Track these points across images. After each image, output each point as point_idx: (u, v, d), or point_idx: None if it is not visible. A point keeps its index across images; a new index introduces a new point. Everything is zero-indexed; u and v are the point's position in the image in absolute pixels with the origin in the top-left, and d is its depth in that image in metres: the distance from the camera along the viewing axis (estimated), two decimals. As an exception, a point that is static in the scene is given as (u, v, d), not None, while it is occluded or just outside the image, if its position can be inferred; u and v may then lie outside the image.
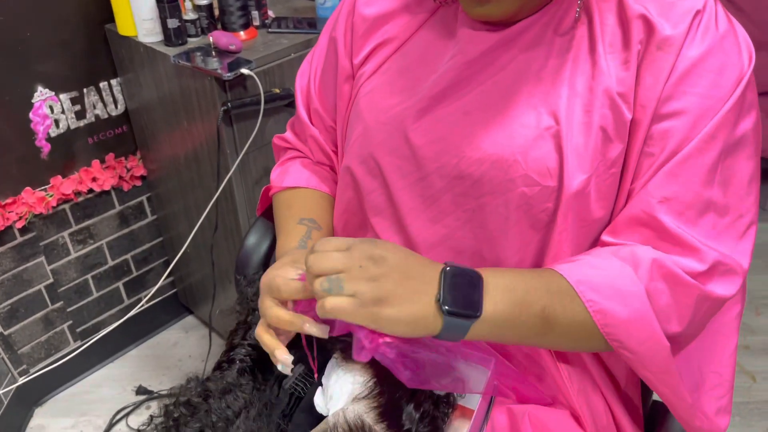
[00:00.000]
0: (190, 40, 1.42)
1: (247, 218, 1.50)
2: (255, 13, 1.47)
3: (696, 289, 0.65)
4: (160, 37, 1.42)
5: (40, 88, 1.48)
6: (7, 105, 1.45)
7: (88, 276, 1.78)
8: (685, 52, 0.64)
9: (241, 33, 1.42)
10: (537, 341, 0.69)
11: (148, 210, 1.83)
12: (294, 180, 0.92)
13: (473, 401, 0.76)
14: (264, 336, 0.71)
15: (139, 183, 1.76)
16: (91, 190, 1.66)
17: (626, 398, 0.81)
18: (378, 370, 0.73)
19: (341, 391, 0.73)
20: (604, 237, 0.70)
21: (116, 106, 1.63)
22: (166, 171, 1.67)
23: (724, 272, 0.67)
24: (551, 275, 0.66)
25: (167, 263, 1.91)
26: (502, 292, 0.63)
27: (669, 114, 0.65)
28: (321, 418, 0.74)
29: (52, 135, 1.54)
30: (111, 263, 1.81)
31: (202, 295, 1.88)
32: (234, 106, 1.32)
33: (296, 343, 0.84)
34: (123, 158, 1.70)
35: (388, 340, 0.64)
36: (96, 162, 1.64)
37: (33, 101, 1.48)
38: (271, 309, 0.68)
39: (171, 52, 1.37)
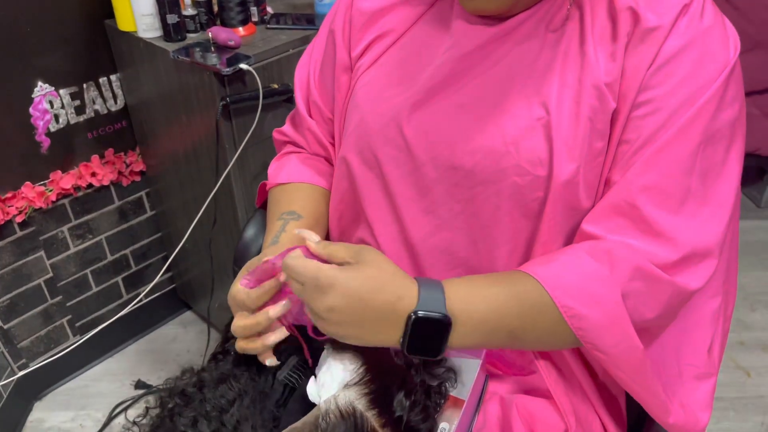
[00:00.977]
0: (189, 35, 1.43)
1: (245, 213, 1.51)
2: (254, 9, 1.48)
3: (670, 286, 0.66)
4: (159, 33, 1.43)
5: (40, 84, 1.49)
6: (7, 100, 1.46)
7: (88, 271, 1.79)
8: (667, 43, 0.65)
9: (240, 29, 1.43)
10: (506, 347, 0.75)
11: (147, 205, 1.84)
12: (287, 175, 0.93)
13: (465, 392, 0.77)
14: (246, 347, 0.74)
15: (138, 178, 1.77)
16: (90, 185, 1.67)
17: (607, 395, 0.82)
18: (368, 358, 0.74)
19: (332, 379, 0.74)
20: (584, 225, 0.70)
21: (116, 102, 1.64)
22: (165, 166, 1.68)
23: (697, 263, 0.67)
24: (525, 287, 0.67)
25: (166, 258, 1.92)
26: (472, 327, 0.65)
27: (645, 101, 0.66)
28: (314, 407, 0.75)
29: (52, 130, 1.55)
30: (110, 258, 1.82)
31: (200, 290, 1.89)
32: (233, 101, 1.33)
33: (290, 335, 0.85)
34: (122, 153, 1.71)
35: None
36: (95, 157, 1.65)
37: (33, 96, 1.49)
38: (236, 324, 0.73)
39: (170, 47, 1.38)
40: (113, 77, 1.61)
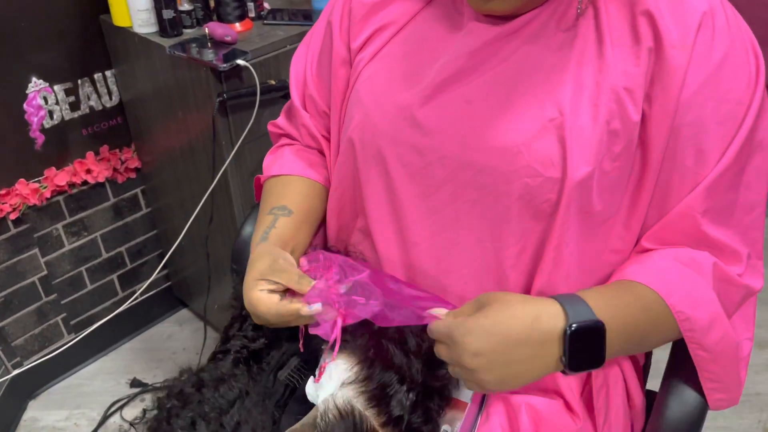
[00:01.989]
0: (185, 31, 1.42)
1: (242, 210, 1.50)
2: (250, 5, 1.47)
3: (744, 288, 0.73)
4: (155, 28, 1.41)
5: (34, 79, 1.48)
6: (1, 96, 1.44)
7: (82, 268, 1.77)
8: (699, 55, 0.65)
9: (237, 24, 1.42)
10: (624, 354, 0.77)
11: (142, 202, 1.82)
12: (280, 168, 0.92)
13: (467, 394, 0.77)
14: (279, 309, 0.72)
15: (133, 175, 1.76)
16: (85, 182, 1.66)
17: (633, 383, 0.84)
18: (364, 357, 0.74)
19: (330, 380, 0.74)
20: (645, 244, 0.74)
21: (111, 98, 1.63)
22: (161, 163, 1.66)
23: (755, 265, 0.74)
24: (643, 293, 0.69)
25: (161, 256, 1.91)
26: (616, 335, 0.66)
27: (689, 122, 0.66)
28: (313, 407, 0.74)
29: (47, 126, 1.54)
30: (105, 256, 1.81)
31: (196, 288, 1.88)
32: (230, 97, 1.32)
33: (291, 337, 0.84)
34: (117, 150, 1.69)
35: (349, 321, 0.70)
36: (90, 154, 1.64)
37: (27, 92, 1.48)
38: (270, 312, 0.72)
39: (166, 43, 1.37)
40: (108, 73, 1.60)
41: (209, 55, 1.31)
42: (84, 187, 1.67)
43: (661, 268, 0.71)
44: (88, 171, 1.64)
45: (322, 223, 0.92)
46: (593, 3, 0.69)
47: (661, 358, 0.86)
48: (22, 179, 1.54)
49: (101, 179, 1.67)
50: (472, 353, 0.62)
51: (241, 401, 0.77)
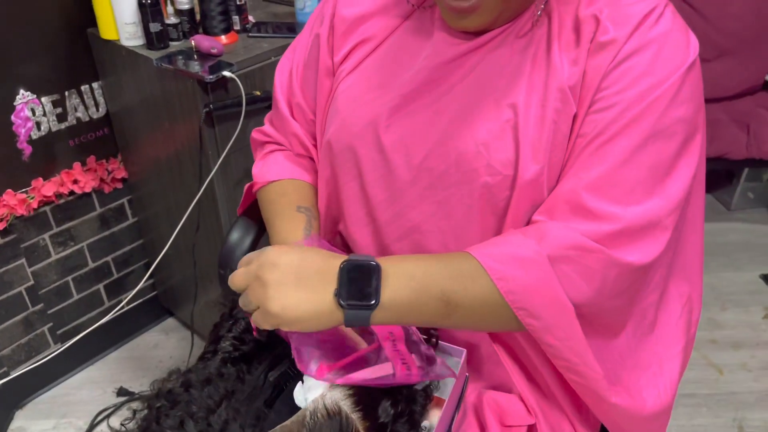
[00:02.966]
0: (172, 43, 1.45)
1: (228, 218, 1.52)
2: (236, 18, 1.50)
3: (601, 253, 0.67)
4: (142, 41, 1.44)
5: (21, 91, 1.50)
6: (-11, 107, 1.46)
7: (69, 278, 1.79)
8: (624, 47, 0.68)
9: (222, 37, 1.46)
10: (443, 323, 0.71)
11: (128, 212, 1.84)
12: (279, 172, 0.94)
13: (446, 391, 0.80)
14: None
15: (119, 185, 1.78)
16: (72, 192, 1.68)
17: (576, 396, 0.83)
18: None
19: (318, 384, 0.76)
20: (535, 216, 0.72)
21: (97, 109, 1.65)
22: (148, 173, 1.69)
23: (639, 237, 0.68)
24: (455, 257, 0.70)
25: (148, 265, 1.93)
26: (401, 280, 0.66)
27: (599, 99, 0.69)
28: (299, 409, 0.76)
29: (34, 137, 1.56)
30: (91, 265, 1.82)
31: (182, 296, 1.90)
32: (216, 107, 1.35)
33: (283, 341, 0.86)
34: (104, 161, 1.71)
35: (330, 376, 0.70)
36: (77, 164, 1.66)
37: (15, 104, 1.49)
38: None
39: (153, 55, 1.40)
40: (95, 85, 1.62)
41: (195, 66, 1.34)
42: (71, 198, 1.69)
43: (493, 240, 0.71)
44: (75, 181, 1.66)
45: None
46: (547, 13, 0.73)
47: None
48: (9, 190, 1.55)
49: (88, 189, 1.69)
50: (270, 263, 0.64)
51: (228, 400, 0.79)
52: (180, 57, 1.38)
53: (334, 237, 0.91)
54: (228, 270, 0.96)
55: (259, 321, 0.66)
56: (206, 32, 1.46)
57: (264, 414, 0.82)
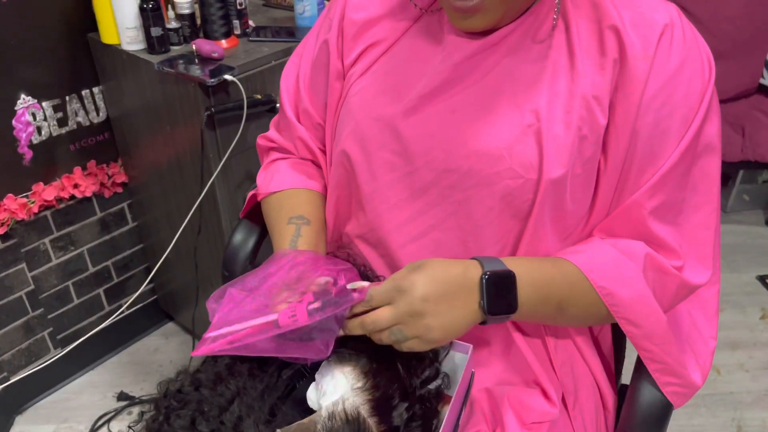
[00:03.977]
0: (172, 48, 1.46)
1: (229, 221, 1.53)
2: (236, 22, 1.51)
3: (678, 278, 0.76)
4: (143, 46, 1.45)
5: (22, 96, 1.50)
6: (-10, 112, 1.47)
7: (69, 283, 1.79)
8: (658, 64, 0.70)
9: (223, 41, 1.47)
10: (546, 322, 0.81)
11: (129, 216, 1.85)
12: (280, 183, 0.94)
13: (452, 387, 0.80)
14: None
15: (120, 190, 1.78)
16: (72, 197, 1.68)
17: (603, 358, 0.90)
18: (373, 366, 0.76)
19: (335, 389, 0.75)
20: (595, 234, 0.79)
21: (98, 114, 1.65)
22: (148, 177, 1.69)
23: (696, 266, 0.78)
24: (565, 266, 0.75)
25: (148, 270, 1.93)
26: (529, 289, 0.72)
27: (646, 124, 0.72)
28: (310, 411, 0.75)
29: (35, 142, 1.56)
30: (92, 270, 1.82)
31: (183, 300, 1.90)
32: (217, 111, 1.36)
33: None
34: (104, 165, 1.72)
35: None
36: (78, 169, 1.66)
37: (16, 108, 1.50)
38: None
39: (154, 59, 1.41)
40: (96, 89, 1.63)
41: (197, 70, 1.34)
42: (71, 202, 1.69)
43: (588, 249, 0.77)
44: (76, 186, 1.67)
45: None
46: (565, 18, 0.75)
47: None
48: (10, 194, 1.56)
49: (88, 194, 1.70)
50: (421, 298, 0.67)
51: (240, 398, 0.78)
52: (181, 61, 1.38)
53: (341, 238, 0.91)
54: (232, 272, 0.97)
55: (415, 347, 0.69)
56: (207, 36, 1.47)
57: (279, 410, 0.81)
